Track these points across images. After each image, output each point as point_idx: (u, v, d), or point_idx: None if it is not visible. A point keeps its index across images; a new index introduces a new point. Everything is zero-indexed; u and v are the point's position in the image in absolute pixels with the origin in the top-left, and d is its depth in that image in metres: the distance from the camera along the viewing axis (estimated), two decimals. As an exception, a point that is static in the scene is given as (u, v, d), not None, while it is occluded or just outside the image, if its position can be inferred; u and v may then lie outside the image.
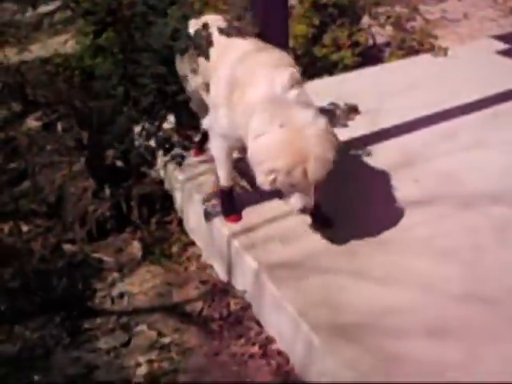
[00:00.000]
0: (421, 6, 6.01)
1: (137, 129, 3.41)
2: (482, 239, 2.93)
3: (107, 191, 3.59)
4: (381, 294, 2.64)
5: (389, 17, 5.33)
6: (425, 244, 2.89)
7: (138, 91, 3.03)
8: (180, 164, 3.17)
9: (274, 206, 3.14)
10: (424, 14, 5.66)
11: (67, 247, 3.46)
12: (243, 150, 2.84)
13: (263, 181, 2.63)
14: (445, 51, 4.98)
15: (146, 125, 3.18)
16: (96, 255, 3.44)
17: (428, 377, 2.26)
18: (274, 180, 2.58)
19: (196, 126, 3.53)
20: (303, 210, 2.72)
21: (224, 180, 3.10)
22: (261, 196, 3.18)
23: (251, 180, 3.28)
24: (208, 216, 3.20)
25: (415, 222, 3.02)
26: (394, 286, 2.67)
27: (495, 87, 4.35)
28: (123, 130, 3.12)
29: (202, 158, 3.60)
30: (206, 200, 3.28)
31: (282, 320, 2.70)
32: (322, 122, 2.62)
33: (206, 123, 3.12)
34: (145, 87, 3.02)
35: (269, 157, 2.56)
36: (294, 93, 2.67)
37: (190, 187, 3.46)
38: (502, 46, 5.15)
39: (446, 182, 3.29)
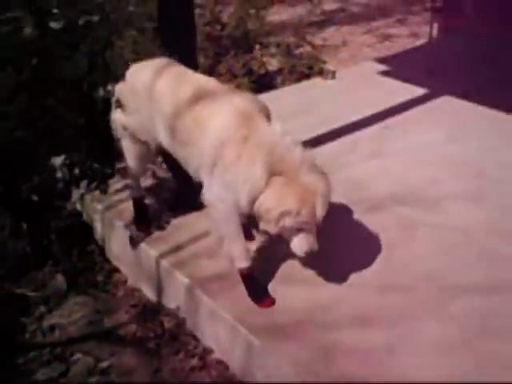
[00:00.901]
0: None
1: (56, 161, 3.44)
2: (391, 236, 3.21)
3: (24, 227, 3.57)
4: (308, 294, 2.83)
5: (279, 45, 5.66)
6: (341, 245, 3.13)
7: (56, 123, 3.07)
8: (105, 192, 3.20)
9: (197, 226, 3.28)
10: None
11: (-12, 286, 3.40)
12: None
13: (273, 227, 2.56)
14: (333, 74, 5.37)
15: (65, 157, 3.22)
16: (19, 291, 3.40)
17: (362, 361, 2.47)
18: (284, 224, 2.54)
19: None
20: (308, 254, 2.63)
21: (243, 259, 2.78)
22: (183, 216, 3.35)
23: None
24: (133, 241, 3.27)
25: (331, 227, 3.25)
26: (318, 286, 2.88)
27: (381, 104, 4.76)
28: (44, 162, 3.15)
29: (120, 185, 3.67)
30: (128, 225, 3.36)
31: (218, 329, 2.82)
32: (312, 157, 2.65)
33: (204, 197, 2.75)
34: (63, 119, 3.07)
35: (277, 202, 2.51)
36: (288, 137, 2.63)
37: (110, 216, 3.52)
38: (382, 67, 5.64)
39: (355, 188, 3.57)
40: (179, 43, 3.22)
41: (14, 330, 3.16)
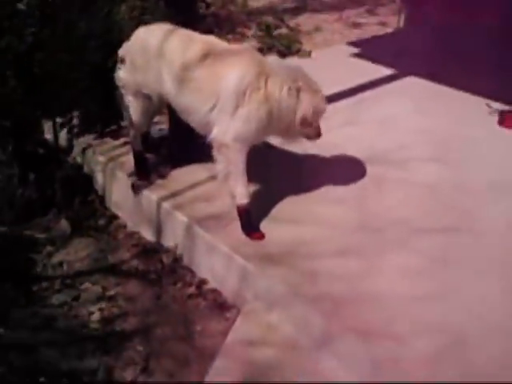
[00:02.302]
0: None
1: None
2: (364, 189, 3.65)
3: (31, 176, 3.90)
4: (294, 231, 3.25)
5: (259, 24, 6.05)
6: (320, 194, 3.56)
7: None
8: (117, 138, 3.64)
9: (194, 175, 3.67)
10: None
11: (-2, 228, 3.72)
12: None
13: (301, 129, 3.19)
14: (309, 54, 5.79)
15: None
16: (27, 233, 3.73)
17: (342, 282, 2.90)
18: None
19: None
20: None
21: (244, 196, 3.21)
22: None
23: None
24: (136, 188, 3.64)
25: (310, 179, 3.69)
26: (303, 225, 3.30)
27: (353, 81, 5.21)
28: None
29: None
30: (130, 175, 3.72)
31: (214, 261, 3.22)
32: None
33: (217, 138, 3.13)
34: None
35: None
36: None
37: (112, 167, 3.88)
38: (354, 50, 6.09)
39: (331, 150, 3.99)
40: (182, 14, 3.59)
41: (25, 265, 3.50)
